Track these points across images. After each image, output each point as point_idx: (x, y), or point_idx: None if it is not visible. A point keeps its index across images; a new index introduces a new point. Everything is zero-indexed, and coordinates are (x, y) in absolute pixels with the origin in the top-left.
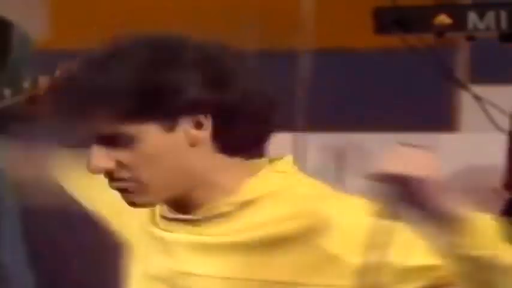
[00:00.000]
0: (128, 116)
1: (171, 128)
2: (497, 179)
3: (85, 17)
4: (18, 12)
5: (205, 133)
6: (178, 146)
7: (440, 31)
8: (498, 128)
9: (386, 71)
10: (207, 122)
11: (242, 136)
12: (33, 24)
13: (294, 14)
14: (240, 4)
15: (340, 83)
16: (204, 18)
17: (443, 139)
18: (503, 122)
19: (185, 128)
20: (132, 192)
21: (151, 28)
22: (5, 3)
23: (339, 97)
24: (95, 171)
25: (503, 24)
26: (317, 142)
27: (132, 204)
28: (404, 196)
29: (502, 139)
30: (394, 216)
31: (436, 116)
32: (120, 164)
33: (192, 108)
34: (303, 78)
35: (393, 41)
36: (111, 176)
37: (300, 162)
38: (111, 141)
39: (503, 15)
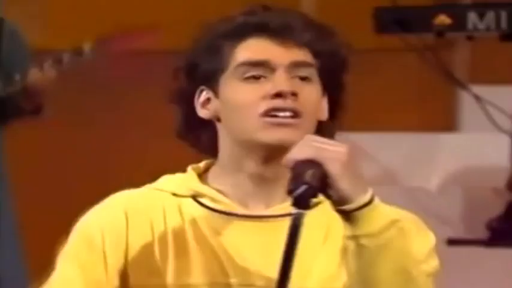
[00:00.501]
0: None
1: None
2: (497, 179)
3: (83, 17)
4: (18, 12)
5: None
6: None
7: (440, 31)
8: (498, 128)
9: (386, 71)
10: None
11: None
12: (33, 24)
13: None
14: (239, 4)
15: None
16: (203, 18)
17: (443, 139)
18: (503, 122)
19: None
20: (290, 125)
21: (149, 27)
22: (4, 3)
23: None
24: (287, 88)
25: (503, 24)
26: None
27: (282, 141)
28: (315, 179)
29: (501, 139)
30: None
31: (436, 116)
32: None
33: None
34: None
35: (393, 41)
36: (291, 99)
37: None
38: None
39: (503, 15)
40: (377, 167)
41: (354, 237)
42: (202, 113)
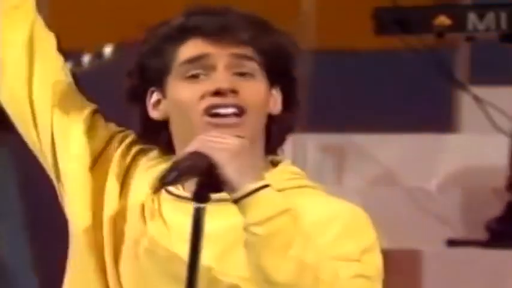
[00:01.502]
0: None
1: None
2: (497, 179)
3: (84, 16)
4: None
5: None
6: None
7: (440, 31)
8: (497, 128)
9: (386, 71)
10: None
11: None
12: None
13: (294, 14)
14: (239, 4)
15: (340, 83)
16: None
17: (443, 139)
18: (503, 122)
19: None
20: (233, 126)
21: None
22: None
23: (338, 97)
24: (226, 85)
25: (503, 24)
26: (317, 142)
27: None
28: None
29: (501, 140)
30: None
31: (436, 116)
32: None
33: None
34: (303, 79)
35: (393, 41)
36: (231, 96)
37: (300, 162)
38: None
39: (503, 15)
40: (377, 167)
41: (244, 227)
42: (154, 114)
